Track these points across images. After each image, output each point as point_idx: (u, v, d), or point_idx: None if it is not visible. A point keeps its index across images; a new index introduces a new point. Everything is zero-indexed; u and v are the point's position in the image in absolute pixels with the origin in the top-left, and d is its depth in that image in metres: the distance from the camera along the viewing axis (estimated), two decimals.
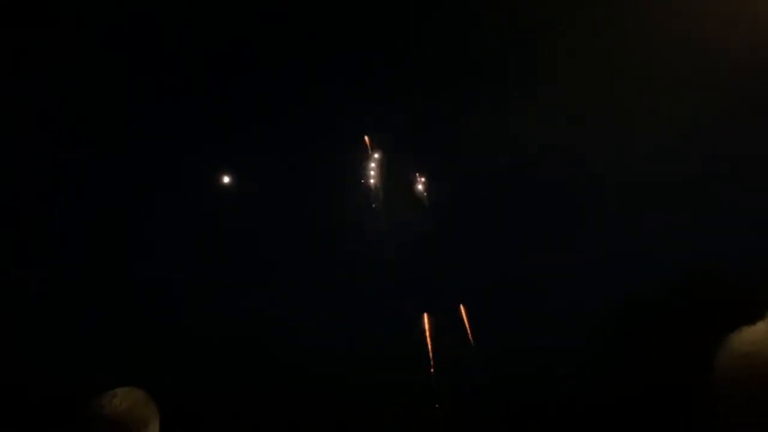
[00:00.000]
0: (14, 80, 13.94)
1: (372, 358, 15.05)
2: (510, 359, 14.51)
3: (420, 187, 17.53)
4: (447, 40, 16.05)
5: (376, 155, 17.49)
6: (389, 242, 17.17)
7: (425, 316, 15.93)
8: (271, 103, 17.25)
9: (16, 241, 14.81)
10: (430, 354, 15.30)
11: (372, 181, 17.53)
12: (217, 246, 16.63)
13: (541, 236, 15.85)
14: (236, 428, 13.39)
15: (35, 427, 10.44)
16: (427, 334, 15.73)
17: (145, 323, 14.91)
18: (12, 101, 13.88)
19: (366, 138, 17.55)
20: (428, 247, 17.33)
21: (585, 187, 15.02)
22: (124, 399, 1.78)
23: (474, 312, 15.74)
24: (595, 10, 13.86)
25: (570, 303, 14.30)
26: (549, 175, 15.58)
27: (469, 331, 15.51)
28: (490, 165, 15.86)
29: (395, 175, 17.84)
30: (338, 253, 17.33)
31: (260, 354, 14.88)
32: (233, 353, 14.76)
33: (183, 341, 14.70)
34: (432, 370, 14.96)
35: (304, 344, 15.25)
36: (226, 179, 17.04)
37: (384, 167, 17.54)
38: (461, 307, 15.83)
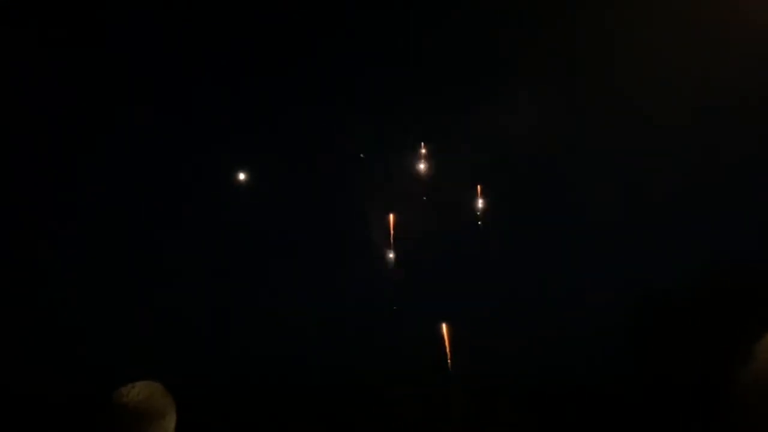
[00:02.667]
0: (19, 80, 14.11)
1: (384, 358, 15.09)
2: (522, 355, 14.49)
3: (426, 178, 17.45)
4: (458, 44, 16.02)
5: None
6: (398, 243, 17.24)
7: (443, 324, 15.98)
8: (281, 103, 17.31)
9: (23, 240, 14.99)
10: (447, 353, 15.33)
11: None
12: (225, 245, 16.73)
13: (555, 232, 15.78)
14: (249, 424, 13.49)
15: (53, 422, 10.61)
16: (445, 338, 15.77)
17: (159, 321, 15.04)
18: (16, 103, 14.05)
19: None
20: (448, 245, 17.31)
21: (601, 183, 14.91)
22: (143, 390, 1.92)
23: (488, 310, 15.71)
24: (599, 8, 13.83)
25: (584, 298, 14.24)
26: (564, 170, 15.53)
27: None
28: (505, 160, 15.85)
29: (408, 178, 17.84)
30: (347, 255, 17.38)
31: (269, 353, 14.98)
32: (242, 350, 14.88)
33: (192, 339, 14.83)
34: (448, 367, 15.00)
35: (312, 343, 15.36)
36: (232, 179, 17.15)
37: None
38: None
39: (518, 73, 15.56)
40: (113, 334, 14.53)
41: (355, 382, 14.43)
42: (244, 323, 15.48)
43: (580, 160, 14.98)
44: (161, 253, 16.05)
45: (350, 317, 15.87)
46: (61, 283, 14.95)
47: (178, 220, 16.44)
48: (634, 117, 14.39)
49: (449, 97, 16.72)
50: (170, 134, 16.70)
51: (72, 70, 15.23)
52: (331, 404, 13.93)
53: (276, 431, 13.71)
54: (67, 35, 14.69)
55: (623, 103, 14.14)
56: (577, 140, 14.62)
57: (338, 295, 16.26)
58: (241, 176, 17.08)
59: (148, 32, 15.52)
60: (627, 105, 14.20)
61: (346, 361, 14.98)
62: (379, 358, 14.91)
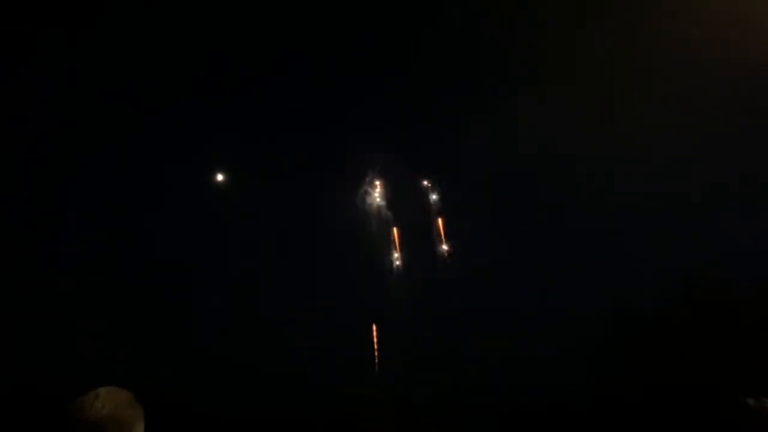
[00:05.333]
0: (20, 81, 13.96)
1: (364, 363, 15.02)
2: (504, 367, 14.46)
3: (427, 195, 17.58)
4: (449, 49, 16.11)
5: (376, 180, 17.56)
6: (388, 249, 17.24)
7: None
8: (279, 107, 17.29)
9: (22, 243, 14.80)
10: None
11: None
12: (214, 247, 16.62)
13: (537, 243, 15.84)
14: (222, 429, 13.33)
15: (19, 428, 10.36)
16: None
17: (139, 323, 14.86)
18: (17, 103, 13.90)
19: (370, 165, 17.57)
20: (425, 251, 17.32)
21: (584, 195, 15.01)
22: (107, 401, 1.67)
23: (468, 318, 15.72)
24: (598, 14, 13.93)
25: (566, 310, 14.26)
26: (547, 182, 15.62)
27: None
28: (488, 172, 15.91)
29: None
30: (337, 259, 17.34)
31: (250, 357, 14.85)
32: (223, 357, 14.73)
33: (173, 342, 14.66)
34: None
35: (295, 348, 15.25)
36: (222, 179, 17.10)
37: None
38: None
39: (512, 85, 15.69)
40: (89, 337, 14.33)
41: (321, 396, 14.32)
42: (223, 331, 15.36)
43: (560, 179, 15.07)
44: (151, 257, 15.94)
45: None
46: (44, 283, 14.76)
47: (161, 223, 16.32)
48: (614, 138, 14.51)
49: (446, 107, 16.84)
50: (164, 142, 16.65)
51: (70, 73, 15.10)
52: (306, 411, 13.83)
53: None
54: (60, 39, 14.57)
55: (601, 124, 14.27)
56: (559, 160, 14.72)
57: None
58: (219, 177, 17.15)
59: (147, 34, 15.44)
60: (605, 128, 14.33)
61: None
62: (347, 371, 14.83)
